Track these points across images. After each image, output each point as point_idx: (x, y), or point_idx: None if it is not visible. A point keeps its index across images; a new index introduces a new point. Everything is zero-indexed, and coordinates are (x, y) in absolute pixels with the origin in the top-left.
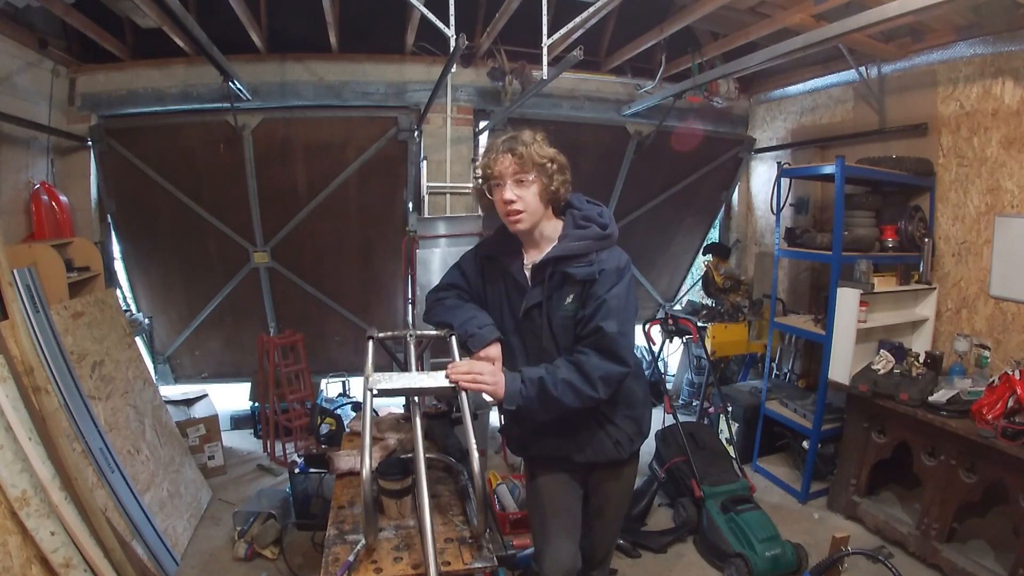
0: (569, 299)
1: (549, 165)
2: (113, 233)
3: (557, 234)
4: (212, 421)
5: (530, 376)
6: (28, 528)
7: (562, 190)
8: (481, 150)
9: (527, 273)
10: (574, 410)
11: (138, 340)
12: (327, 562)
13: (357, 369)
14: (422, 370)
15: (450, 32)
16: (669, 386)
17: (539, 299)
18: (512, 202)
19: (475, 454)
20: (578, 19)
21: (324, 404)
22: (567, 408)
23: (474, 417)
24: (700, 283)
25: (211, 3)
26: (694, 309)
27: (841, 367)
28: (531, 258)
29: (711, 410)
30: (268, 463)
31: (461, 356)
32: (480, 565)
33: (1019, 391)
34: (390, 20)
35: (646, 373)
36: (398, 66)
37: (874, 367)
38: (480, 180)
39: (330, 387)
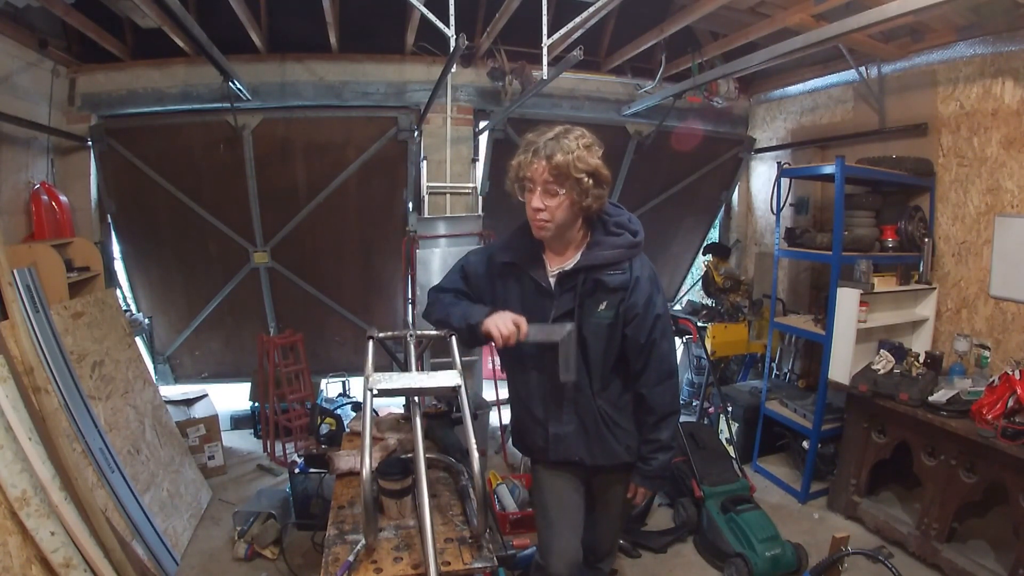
0: (602, 306)
1: (585, 180)
2: (113, 233)
3: (583, 239)
4: (212, 421)
5: (661, 463)
6: (28, 528)
7: (595, 205)
8: (482, 146)
9: (551, 280)
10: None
11: (138, 340)
12: (327, 562)
13: (357, 369)
14: (422, 370)
15: (450, 32)
16: None
17: (570, 306)
18: (540, 210)
19: (475, 454)
20: (578, 19)
21: (324, 404)
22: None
23: (474, 417)
24: (700, 283)
25: (211, 3)
26: (694, 309)
27: (841, 367)
28: (556, 264)
29: (711, 410)
30: (268, 463)
31: (462, 354)
32: (480, 565)
33: (1019, 391)
34: (390, 20)
35: None
36: (398, 66)
37: (874, 367)
38: (512, 175)
39: (330, 387)
